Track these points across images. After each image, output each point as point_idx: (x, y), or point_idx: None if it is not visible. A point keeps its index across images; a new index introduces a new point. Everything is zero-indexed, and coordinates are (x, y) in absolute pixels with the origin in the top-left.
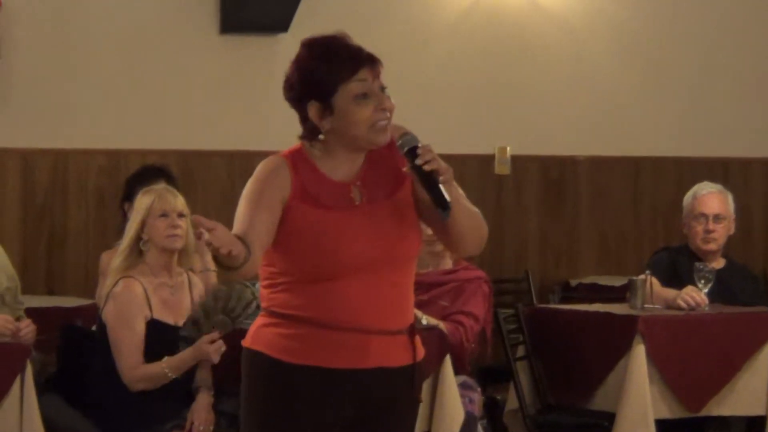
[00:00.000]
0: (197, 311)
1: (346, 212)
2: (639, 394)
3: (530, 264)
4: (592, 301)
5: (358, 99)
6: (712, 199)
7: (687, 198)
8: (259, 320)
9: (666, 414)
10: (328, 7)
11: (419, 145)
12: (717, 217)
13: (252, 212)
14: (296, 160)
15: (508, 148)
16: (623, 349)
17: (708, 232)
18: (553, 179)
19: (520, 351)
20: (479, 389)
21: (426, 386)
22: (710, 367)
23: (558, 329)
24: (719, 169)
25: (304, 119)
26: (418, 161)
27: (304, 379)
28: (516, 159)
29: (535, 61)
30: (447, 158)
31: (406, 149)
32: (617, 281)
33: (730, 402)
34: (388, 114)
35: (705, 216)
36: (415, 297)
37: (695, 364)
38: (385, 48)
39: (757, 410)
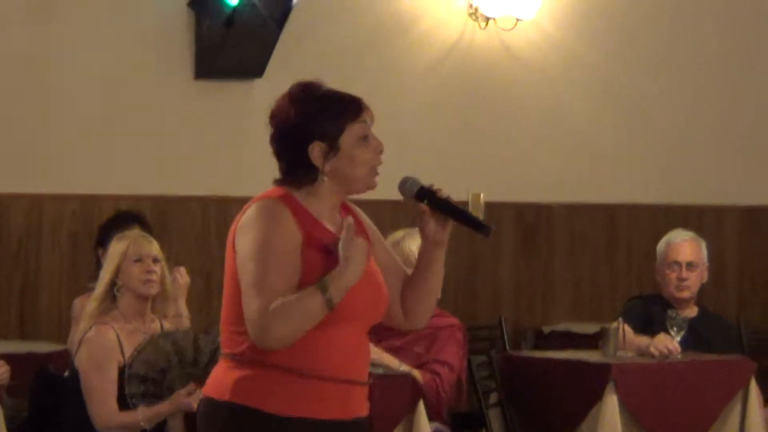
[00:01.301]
0: (140, 368)
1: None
2: None
3: (504, 310)
4: (564, 348)
5: (361, 140)
6: (685, 246)
7: (660, 245)
8: (236, 372)
9: None
10: (302, 53)
11: (424, 184)
12: (690, 265)
13: (285, 275)
14: (290, 204)
15: (482, 195)
16: (596, 396)
17: (681, 279)
18: (528, 226)
19: (493, 398)
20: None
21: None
22: (685, 416)
23: (531, 376)
24: (694, 217)
25: (299, 162)
26: (442, 194)
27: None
28: (490, 205)
29: (510, 109)
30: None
31: (416, 190)
32: (590, 328)
33: None
34: (380, 159)
35: (678, 264)
36: (388, 342)
37: (669, 413)
38: (358, 94)
39: None
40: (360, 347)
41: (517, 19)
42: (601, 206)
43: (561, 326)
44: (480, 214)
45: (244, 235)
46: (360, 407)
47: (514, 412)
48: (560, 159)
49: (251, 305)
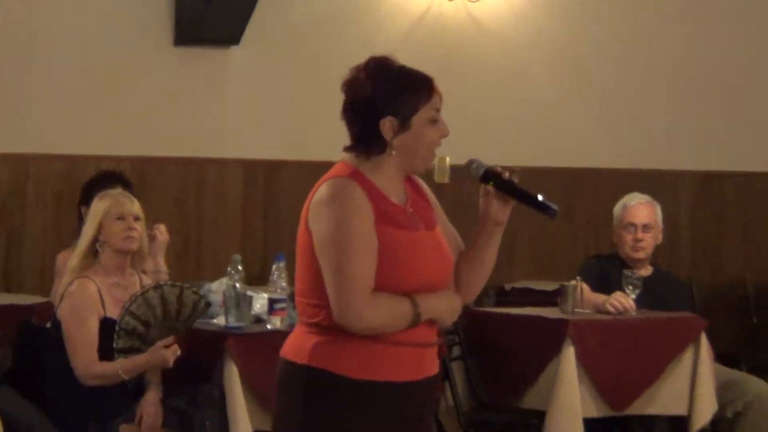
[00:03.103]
0: (130, 321)
1: (419, 234)
2: (568, 394)
3: None
4: (525, 304)
5: (430, 122)
6: (641, 209)
7: (617, 208)
8: (314, 337)
9: (594, 413)
10: (276, 22)
11: (489, 166)
12: (645, 227)
13: (367, 256)
14: (360, 181)
15: (448, 158)
16: (554, 351)
17: (637, 241)
18: None
19: (456, 351)
20: None
21: None
22: (636, 369)
23: (492, 331)
24: (650, 182)
25: (370, 133)
26: (508, 176)
27: (369, 394)
28: (456, 169)
29: (476, 78)
30: None
31: (482, 172)
32: (550, 286)
33: (654, 402)
34: (442, 142)
35: (634, 225)
36: None
37: (622, 366)
38: (328, 64)
39: (680, 410)
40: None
41: None
42: (563, 170)
43: (522, 284)
44: (446, 177)
45: (319, 216)
46: (430, 366)
47: (476, 365)
48: (525, 125)
49: (340, 292)
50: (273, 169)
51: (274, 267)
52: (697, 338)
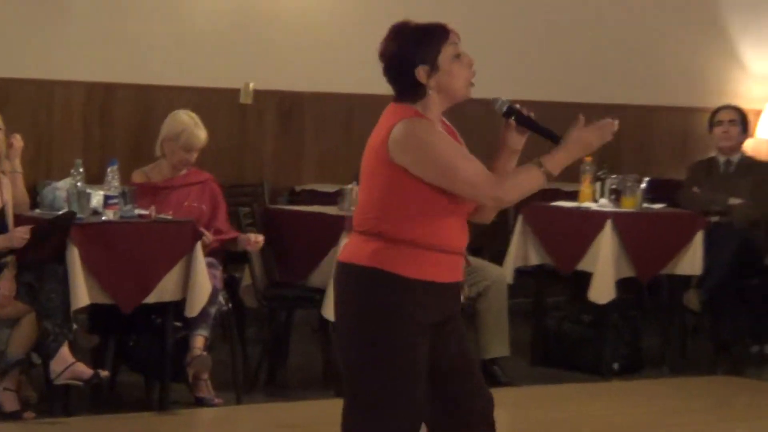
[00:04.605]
0: None
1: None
2: None
3: (265, 174)
4: (312, 203)
5: (455, 58)
6: None
7: None
8: (372, 243)
9: None
10: None
11: (510, 102)
12: None
13: (470, 156)
14: (425, 118)
15: (251, 84)
16: (333, 240)
17: None
18: (285, 110)
19: None
20: (221, 268)
21: (182, 264)
22: None
23: (284, 225)
24: None
25: (409, 83)
26: (526, 113)
27: (417, 290)
28: (257, 92)
29: (276, 17)
30: (201, 91)
31: (505, 108)
32: (332, 188)
33: None
34: (474, 71)
35: None
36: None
37: None
38: None
39: None
40: (463, 228)
41: None
42: (342, 95)
43: (309, 186)
44: (249, 98)
45: (409, 148)
46: (460, 273)
47: (271, 252)
48: (311, 57)
49: (474, 192)
50: (109, 90)
51: (108, 170)
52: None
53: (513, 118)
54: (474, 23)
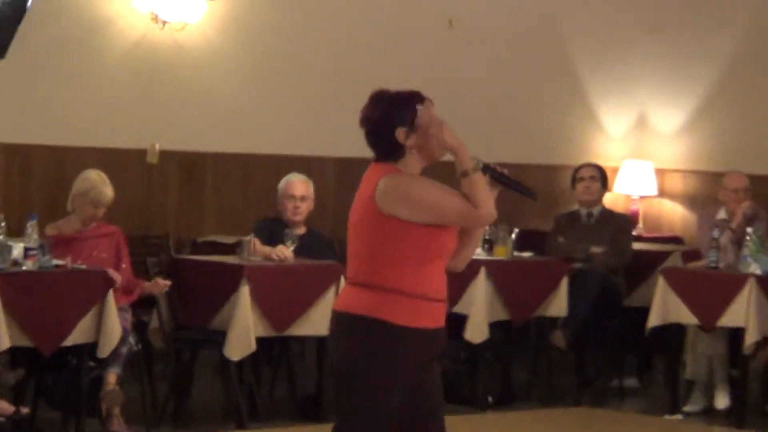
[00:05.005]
0: None
1: None
2: (243, 318)
3: (170, 227)
4: (213, 253)
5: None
6: (298, 185)
7: (281, 184)
8: (367, 293)
9: (262, 333)
10: (37, 42)
11: (486, 162)
12: (302, 198)
13: (453, 192)
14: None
15: (157, 145)
16: (234, 287)
17: (296, 207)
18: (188, 168)
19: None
20: (130, 311)
21: (95, 309)
22: (294, 299)
23: (189, 272)
24: (305, 164)
25: (390, 145)
26: (500, 170)
27: (412, 337)
28: (163, 152)
29: (179, 88)
30: (111, 151)
31: (482, 165)
32: (231, 240)
33: (306, 325)
34: None
35: (294, 197)
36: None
37: (283, 298)
38: (74, 74)
39: (322, 331)
40: (444, 277)
41: (186, 23)
42: (240, 155)
43: (210, 238)
44: (155, 158)
45: (396, 197)
46: (443, 318)
47: (176, 297)
48: (212, 121)
49: (465, 221)
50: (27, 150)
51: (28, 224)
52: (338, 279)
53: (488, 174)
54: (337, 82)
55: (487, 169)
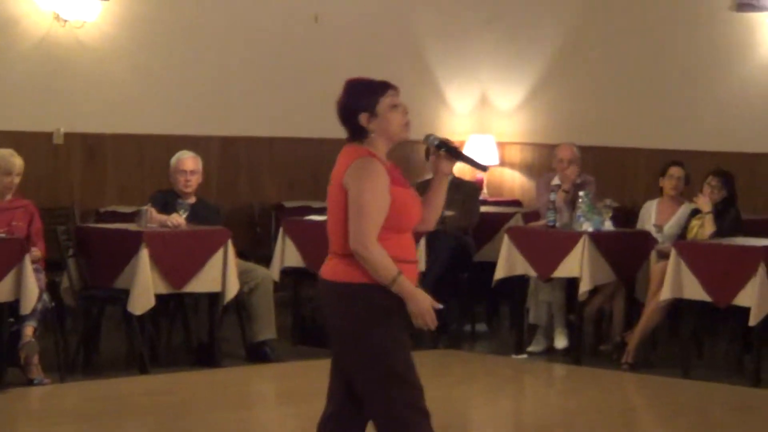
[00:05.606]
0: None
1: (409, 190)
2: (144, 278)
3: (75, 199)
4: (114, 222)
5: (392, 107)
6: (189, 160)
7: (173, 160)
8: (345, 262)
9: (161, 290)
10: None
11: (441, 138)
12: (192, 172)
13: (382, 211)
14: (376, 157)
15: (62, 128)
16: (134, 251)
17: (187, 180)
18: (90, 147)
19: (70, 252)
20: (44, 272)
21: (14, 272)
22: (187, 260)
23: (93, 238)
24: (193, 142)
25: (355, 127)
26: (453, 145)
27: (391, 295)
28: (67, 135)
29: (78, 68)
30: (21, 134)
31: (437, 143)
32: (130, 210)
33: (200, 282)
34: (408, 119)
35: (185, 171)
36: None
37: (181, 259)
38: (18, 52)
39: (213, 287)
40: (413, 239)
41: (84, 21)
42: (136, 135)
43: (111, 208)
44: (60, 139)
45: (355, 181)
46: (416, 275)
47: (83, 261)
48: (110, 107)
49: (359, 228)
50: None
51: None
52: (225, 241)
53: (443, 149)
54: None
55: (442, 145)
